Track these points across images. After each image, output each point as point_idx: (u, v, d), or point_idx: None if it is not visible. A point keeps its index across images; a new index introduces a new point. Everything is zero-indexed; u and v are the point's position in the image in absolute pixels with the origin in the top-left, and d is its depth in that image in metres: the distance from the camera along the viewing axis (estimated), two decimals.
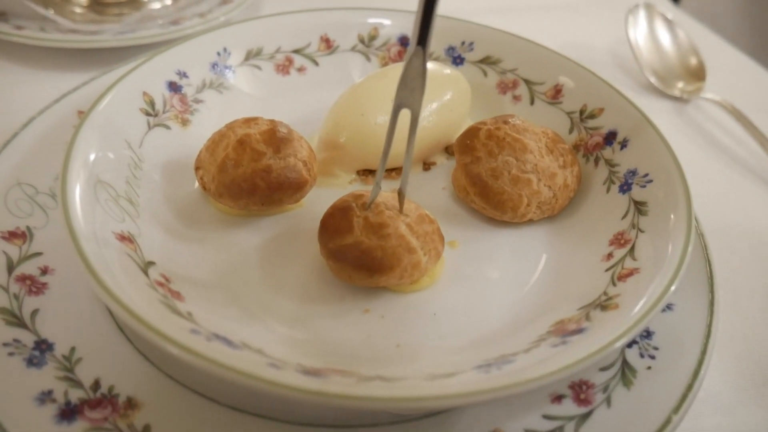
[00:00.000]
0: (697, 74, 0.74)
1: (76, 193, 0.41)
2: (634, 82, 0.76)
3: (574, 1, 0.94)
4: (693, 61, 0.75)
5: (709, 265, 0.47)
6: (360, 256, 0.42)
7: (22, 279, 0.43)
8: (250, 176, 0.46)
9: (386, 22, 0.64)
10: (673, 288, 0.39)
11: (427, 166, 0.57)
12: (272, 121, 0.49)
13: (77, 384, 0.38)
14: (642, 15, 0.78)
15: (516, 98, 0.61)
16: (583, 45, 0.83)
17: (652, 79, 0.74)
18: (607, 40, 0.84)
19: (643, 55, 0.76)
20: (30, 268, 0.44)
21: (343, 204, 0.44)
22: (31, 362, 0.38)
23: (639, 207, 0.48)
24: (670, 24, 0.78)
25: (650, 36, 0.77)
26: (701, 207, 0.55)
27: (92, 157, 0.45)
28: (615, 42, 0.83)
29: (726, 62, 0.82)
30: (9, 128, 0.55)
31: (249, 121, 0.49)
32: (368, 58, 0.64)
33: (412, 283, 0.45)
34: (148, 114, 0.52)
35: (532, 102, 0.60)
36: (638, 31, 0.77)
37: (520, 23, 0.78)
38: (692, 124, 0.70)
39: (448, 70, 0.58)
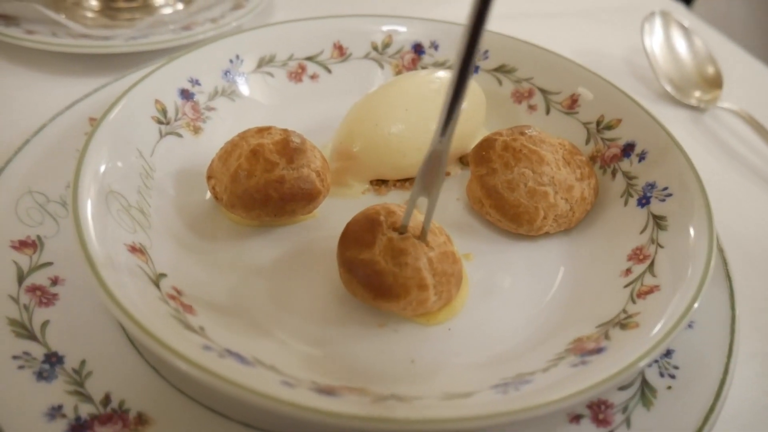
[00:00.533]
0: (714, 83, 0.73)
1: (88, 205, 0.40)
2: (650, 91, 0.75)
3: (589, 7, 0.93)
4: (710, 69, 0.74)
5: (730, 281, 0.46)
6: (370, 276, 0.41)
7: (33, 289, 0.42)
8: (263, 187, 0.46)
9: (400, 29, 0.64)
10: (695, 306, 0.38)
11: None
12: (285, 131, 0.48)
13: (87, 398, 0.37)
14: (658, 23, 0.77)
15: (531, 108, 0.60)
16: (598, 52, 0.82)
17: (669, 88, 0.73)
18: (622, 48, 0.83)
19: (659, 63, 0.75)
20: (40, 278, 0.43)
21: (373, 216, 0.43)
22: (41, 376, 0.38)
23: (658, 222, 0.47)
24: (686, 32, 0.77)
25: (666, 44, 0.76)
26: (718, 218, 0.53)
27: (104, 166, 0.44)
28: (630, 50, 0.82)
29: (743, 71, 0.81)
30: (20, 134, 0.54)
31: (262, 131, 0.48)
32: (381, 66, 0.63)
33: (418, 316, 0.44)
34: (160, 122, 0.51)
35: (547, 112, 0.59)
36: (654, 39, 0.77)
37: (534, 29, 0.77)
38: (709, 134, 0.69)
39: None
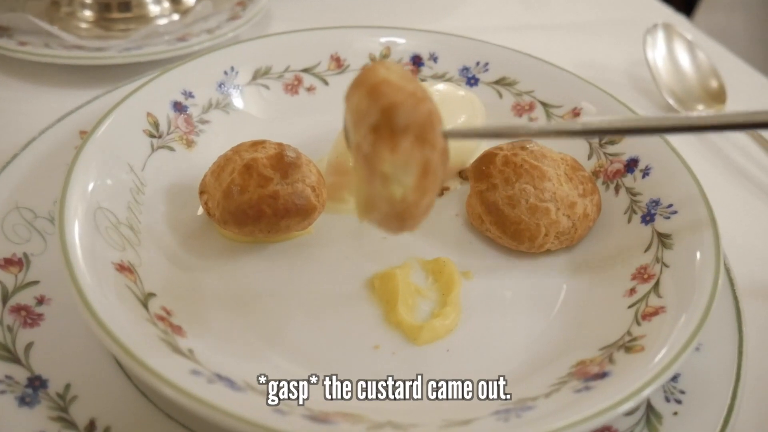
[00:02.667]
0: (718, 97, 0.72)
1: (75, 223, 0.39)
2: (653, 104, 0.74)
3: (591, 20, 0.92)
4: (713, 83, 0.73)
5: (737, 302, 0.45)
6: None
7: (17, 310, 0.41)
8: (256, 202, 0.44)
9: (398, 40, 0.63)
10: (703, 330, 0.37)
11: (440, 191, 0.55)
12: (280, 145, 0.47)
13: (71, 425, 0.36)
14: (661, 35, 0.76)
15: (532, 121, 0.59)
16: (600, 65, 0.81)
17: (671, 101, 0.72)
18: (624, 61, 0.82)
19: (661, 76, 0.74)
20: (26, 297, 0.42)
21: None
22: (23, 401, 0.36)
23: (663, 240, 0.45)
24: (689, 45, 0.76)
25: (669, 57, 0.75)
26: (723, 235, 0.52)
27: (93, 182, 0.43)
28: (632, 62, 0.81)
29: (747, 85, 0.80)
30: (11, 146, 0.53)
31: (256, 145, 0.47)
32: None
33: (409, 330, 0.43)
34: (151, 135, 0.50)
35: None
36: (657, 51, 0.75)
37: (534, 41, 0.76)
38: (712, 148, 0.68)
39: (462, 91, 0.56)
